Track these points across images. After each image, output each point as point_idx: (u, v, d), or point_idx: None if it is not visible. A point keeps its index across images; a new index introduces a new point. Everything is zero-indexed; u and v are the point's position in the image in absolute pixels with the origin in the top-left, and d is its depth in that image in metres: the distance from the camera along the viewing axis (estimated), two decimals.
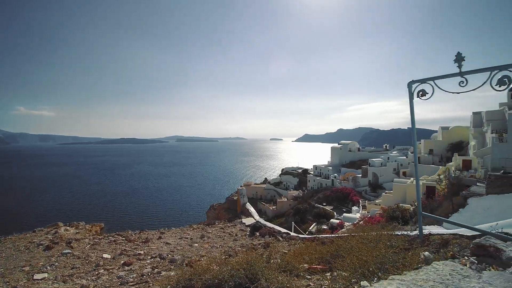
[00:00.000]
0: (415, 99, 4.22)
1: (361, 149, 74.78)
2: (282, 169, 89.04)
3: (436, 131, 52.41)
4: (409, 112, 4.33)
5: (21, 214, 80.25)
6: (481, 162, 29.27)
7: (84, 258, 8.18)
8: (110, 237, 10.40)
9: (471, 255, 2.32)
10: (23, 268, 7.50)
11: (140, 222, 70.00)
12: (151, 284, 5.94)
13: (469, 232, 4.30)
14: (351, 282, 3.00)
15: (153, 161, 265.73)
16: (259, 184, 79.36)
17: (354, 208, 39.46)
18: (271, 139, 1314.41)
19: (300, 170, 78.04)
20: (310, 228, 33.71)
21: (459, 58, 3.66)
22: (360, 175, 54.35)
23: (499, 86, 3.37)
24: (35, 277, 6.98)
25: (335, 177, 59.49)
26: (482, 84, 3.44)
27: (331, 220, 34.22)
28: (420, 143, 52.39)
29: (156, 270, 7.07)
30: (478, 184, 22.44)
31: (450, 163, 35.18)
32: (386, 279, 1.98)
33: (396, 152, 65.64)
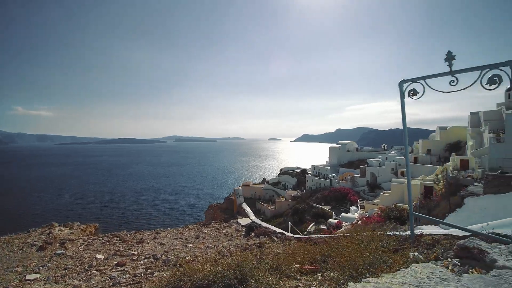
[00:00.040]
0: (406, 98, 4.20)
1: (360, 149, 74.86)
2: (281, 169, 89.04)
3: (434, 131, 52.51)
4: (406, 112, 4.30)
5: (19, 214, 79.94)
6: (478, 162, 29.32)
7: (77, 258, 8.13)
8: (105, 238, 10.34)
9: (454, 257, 2.26)
10: (15, 269, 7.44)
11: (138, 222, 69.83)
12: (143, 285, 5.90)
13: (461, 233, 4.27)
14: (338, 283, 2.97)
15: (152, 161, 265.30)
16: (257, 184, 79.31)
17: (353, 208, 39.46)
18: (269, 139, 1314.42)
19: (298, 170, 78.04)
20: (308, 228, 33.68)
21: (449, 57, 3.63)
22: (359, 175, 54.38)
23: (490, 85, 3.34)
24: (27, 278, 6.93)
25: (333, 177, 59.50)
26: (473, 83, 3.41)
27: (330, 220, 34.21)
28: (418, 143, 52.50)
29: (149, 270, 7.03)
30: (475, 184, 22.48)
31: (448, 163, 35.24)
32: (366, 280, 1.95)
33: (394, 152, 65.75)
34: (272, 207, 55.19)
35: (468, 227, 4.41)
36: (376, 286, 1.77)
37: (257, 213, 55.31)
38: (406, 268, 2.03)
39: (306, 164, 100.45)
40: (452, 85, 3.65)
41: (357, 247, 4.12)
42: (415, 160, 47.51)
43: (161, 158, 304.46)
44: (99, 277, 6.74)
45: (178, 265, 6.90)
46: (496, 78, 3.27)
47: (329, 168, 66.06)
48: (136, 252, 8.61)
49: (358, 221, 26.45)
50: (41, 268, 7.52)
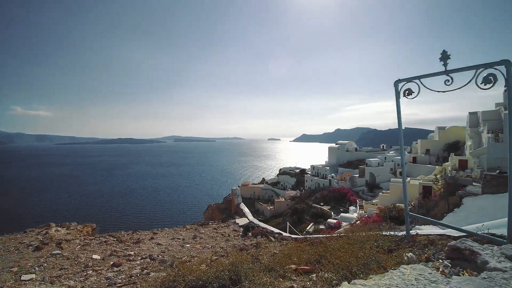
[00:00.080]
0: (402, 98, 4.18)
1: (359, 149, 74.97)
2: (280, 169, 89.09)
3: (433, 131, 52.60)
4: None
5: (19, 214, 79.75)
6: (477, 162, 29.35)
7: (74, 259, 8.09)
8: (102, 238, 10.30)
9: (446, 258, 2.20)
10: (11, 269, 7.40)
11: (137, 222, 69.70)
12: (139, 286, 5.87)
13: (456, 233, 4.25)
14: (332, 284, 2.95)
15: (151, 161, 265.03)
16: (257, 184, 79.35)
17: (352, 208, 39.49)
18: (269, 139, 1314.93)
19: (297, 170, 78.12)
20: (307, 228, 33.70)
21: (444, 56, 3.61)
22: (357, 175, 54.43)
23: (485, 85, 3.31)
24: (22, 278, 6.89)
25: (332, 177, 59.55)
26: (468, 83, 3.39)
27: (329, 220, 34.24)
28: (417, 143, 52.61)
29: (145, 271, 7.00)
30: (474, 184, 22.49)
31: (447, 163, 35.30)
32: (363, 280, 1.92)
33: (393, 152, 65.82)
34: (271, 207, 55.19)
35: (463, 227, 4.39)
36: None
37: (256, 213, 55.34)
38: (395, 269, 1.99)
39: (305, 164, 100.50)
40: (447, 85, 3.63)
41: (352, 248, 4.10)
42: (414, 160, 47.59)
43: (160, 158, 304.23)
44: (95, 278, 6.70)
45: (175, 266, 6.88)
46: (491, 77, 3.24)
47: (328, 168, 66.12)
48: (132, 253, 8.57)
49: (357, 221, 26.48)
50: (36, 268, 7.48)
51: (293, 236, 9.24)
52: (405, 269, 1.95)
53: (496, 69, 3.27)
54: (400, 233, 5.02)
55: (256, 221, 12.19)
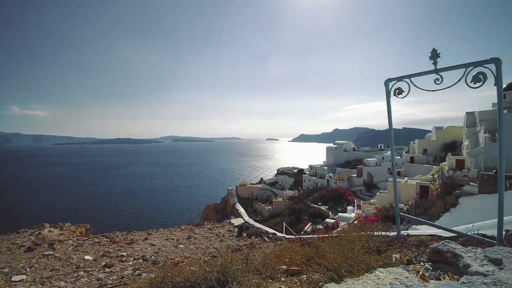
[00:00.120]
0: (392, 97, 4.14)
1: (356, 149, 75.04)
2: (278, 169, 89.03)
3: (430, 131, 52.74)
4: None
5: (15, 215, 79.22)
6: (474, 161, 29.42)
7: (65, 260, 8.01)
8: (95, 239, 10.22)
9: (427, 260, 2.13)
10: (2, 270, 7.33)
11: (135, 223, 69.42)
12: (129, 287, 5.80)
13: (447, 234, 4.21)
14: (318, 285, 2.90)
15: (149, 161, 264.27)
16: (255, 184, 79.25)
17: (349, 207, 39.49)
18: (267, 139, 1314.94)
19: (295, 170, 78.09)
20: (305, 228, 33.69)
21: (434, 55, 3.57)
22: (355, 175, 54.45)
23: (474, 83, 3.27)
24: (13, 279, 6.81)
25: (330, 177, 59.55)
26: (457, 82, 3.35)
27: (326, 220, 34.23)
28: (414, 143, 52.74)
29: (137, 272, 6.93)
30: (471, 183, 22.52)
31: (444, 163, 35.37)
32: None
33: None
34: (269, 207, 55.13)
35: (456, 228, 4.36)
36: None
37: (254, 213, 55.27)
38: (371, 273, 1.92)
39: (303, 164, 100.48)
40: (437, 84, 3.59)
41: (343, 248, 4.06)
42: (412, 160, 47.68)
43: (158, 158, 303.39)
44: (86, 279, 6.64)
45: (162, 266, 6.82)
46: (480, 76, 3.20)
47: (326, 168, 66.13)
48: (125, 253, 8.50)
49: (354, 221, 26.51)
50: (28, 269, 7.40)
51: (287, 236, 9.19)
52: (381, 272, 1.88)
53: (486, 67, 3.23)
54: (392, 234, 4.98)
55: (251, 221, 12.13)
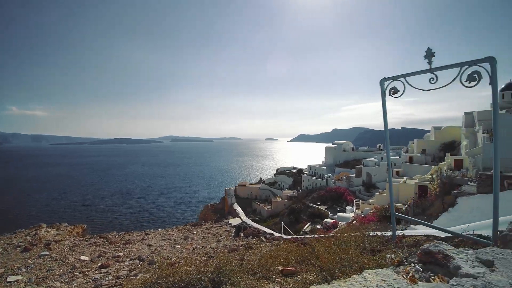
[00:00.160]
0: (387, 97, 4.12)
1: (355, 149, 75.10)
2: (277, 169, 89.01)
3: (429, 131, 52.77)
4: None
5: (14, 215, 79.02)
6: (472, 161, 29.44)
7: (61, 260, 7.97)
8: (91, 239, 10.18)
9: (418, 262, 2.09)
10: None
11: (134, 223, 69.29)
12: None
13: (443, 234, 4.18)
14: (311, 286, 2.87)
15: (148, 161, 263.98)
16: (254, 184, 79.23)
17: (348, 207, 39.50)
18: (266, 139, 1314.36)
19: (294, 170, 78.09)
20: (304, 228, 33.69)
21: (429, 54, 3.55)
22: (354, 175, 54.47)
23: (469, 82, 3.25)
24: (8, 279, 6.77)
25: (329, 177, 59.56)
26: (452, 81, 3.32)
27: (325, 219, 34.24)
28: (413, 143, 52.77)
29: (133, 272, 6.90)
30: (469, 183, 22.53)
31: (443, 163, 35.38)
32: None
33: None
34: (268, 207, 55.12)
35: (452, 228, 4.33)
36: None
37: (253, 213, 55.24)
38: (358, 275, 1.88)
39: (302, 164, 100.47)
40: (432, 83, 3.57)
41: (338, 249, 4.03)
42: (410, 159, 47.70)
43: (158, 158, 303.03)
44: (82, 279, 6.60)
45: (157, 267, 6.79)
46: (475, 75, 3.18)
47: (325, 168, 66.13)
48: (121, 254, 8.46)
49: (353, 220, 26.48)
50: (23, 269, 7.36)
51: (284, 236, 9.16)
52: (368, 274, 1.84)
53: (480, 66, 3.20)
54: (388, 234, 4.96)
55: (249, 221, 12.10)
